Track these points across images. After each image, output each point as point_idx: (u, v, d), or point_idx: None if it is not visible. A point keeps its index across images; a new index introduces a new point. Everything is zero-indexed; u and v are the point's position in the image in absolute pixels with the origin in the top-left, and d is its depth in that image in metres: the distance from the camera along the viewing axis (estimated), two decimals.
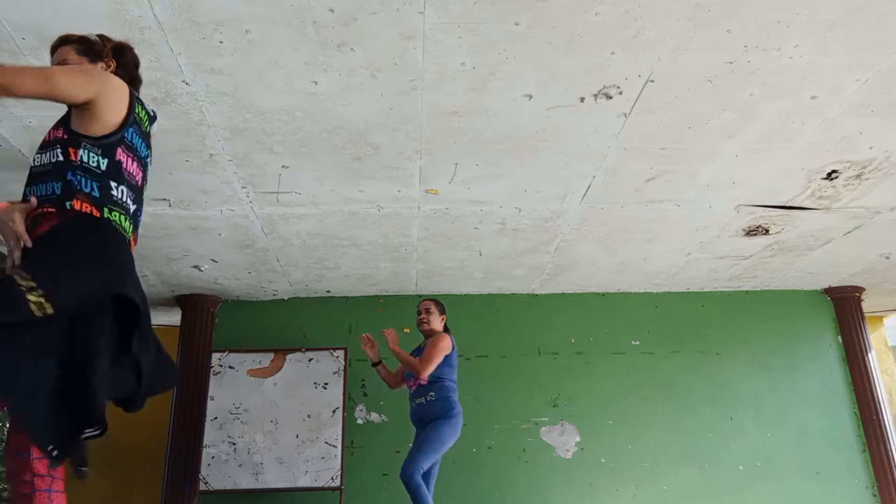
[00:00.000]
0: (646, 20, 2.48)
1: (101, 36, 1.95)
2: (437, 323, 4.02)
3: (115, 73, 1.89)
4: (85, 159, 1.70)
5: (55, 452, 1.48)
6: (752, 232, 4.50)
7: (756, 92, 2.94)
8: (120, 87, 1.80)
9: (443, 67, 2.71)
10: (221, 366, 5.16)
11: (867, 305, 6.05)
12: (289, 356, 5.23)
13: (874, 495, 5.28)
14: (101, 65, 1.89)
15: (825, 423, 5.47)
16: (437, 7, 2.37)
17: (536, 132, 3.22)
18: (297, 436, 4.99)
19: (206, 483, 4.84)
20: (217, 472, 4.88)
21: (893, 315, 6.94)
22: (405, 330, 5.31)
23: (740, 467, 5.32)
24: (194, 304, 5.40)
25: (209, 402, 5.05)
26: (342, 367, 5.19)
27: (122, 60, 1.93)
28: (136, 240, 1.83)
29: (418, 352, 4.02)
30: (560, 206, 4.02)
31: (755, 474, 5.31)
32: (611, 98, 2.95)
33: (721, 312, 5.77)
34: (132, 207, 1.80)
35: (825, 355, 5.70)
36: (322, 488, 4.86)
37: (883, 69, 2.80)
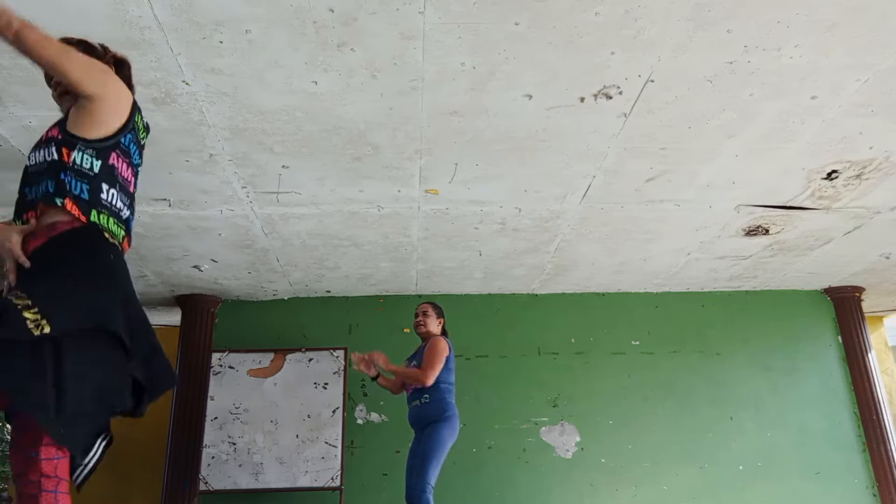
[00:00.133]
0: (646, 20, 2.48)
1: (101, 45, 1.95)
2: (433, 326, 4.01)
3: None
4: (78, 161, 1.69)
5: (64, 437, 1.50)
6: (752, 232, 4.50)
7: (756, 92, 2.94)
8: (126, 95, 1.81)
9: (443, 67, 2.71)
10: (221, 366, 5.16)
11: (867, 305, 6.05)
12: (289, 356, 5.23)
13: (874, 495, 5.29)
14: None
15: (825, 423, 5.47)
16: (437, 7, 2.37)
17: (536, 132, 3.22)
18: (297, 436, 4.99)
19: (206, 483, 4.84)
20: (217, 472, 4.88)
21: (893, 315, 6.94)
22: (405, 330, 5.32)
23: (740, 467, 5.33)
24: (194, 304, 5.40)
25: (209, 402, 5.05)
26: (342, 367, 5.19)
27: (121, 73, 1.92)
28: (128, 243, 1.82)
29: (416, 355, 4.01)
30: (560, 206, 4.02)
31: (755, 474, 5.31)
32: (611, 98, 2.95)
33: (721, 312, 5.77)
34: (125, 212, 1.79)
35: (825, 355, 5.70)
36: (322, 488, 4.86)
37: (883, 69, 2.80)
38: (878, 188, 3.88)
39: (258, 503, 4.98)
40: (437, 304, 4.15)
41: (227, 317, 5.54)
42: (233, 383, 5.12)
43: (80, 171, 1.69)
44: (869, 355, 5.61)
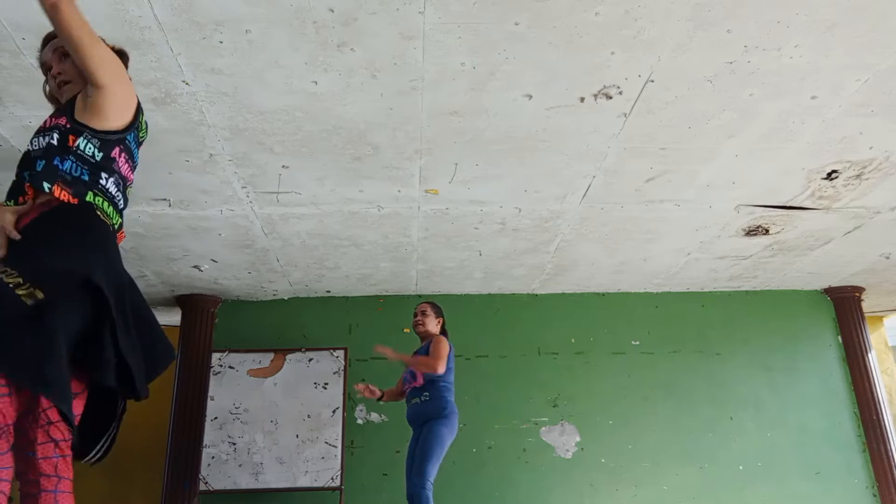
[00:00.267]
0: (646, 20, 2.48)
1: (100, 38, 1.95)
2: (432, 325, 4.01)
3: None
4: (82, 147, 1.70)
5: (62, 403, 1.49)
6: (752, 232, 4.50)
7: (756, 92, 2.94)
8: (133, 94, 1.82)
9: (443, 67, 2.71)
10: (221, 366, 5.16)
11: (867, 305, 6.05)
12: (289, 356, 5.23)
13: (874, 495, 5.29)
14: None
15: (825, 423, 5.47)
16: (437, 7, 2.37)
17: (536, 132, 3.22)
18: (297, 436, 4.99)
19: (206, 483, 4.84)
20: (217, 472, 4.88)
21: (893, 315, 6.94)
22: (405, 330, 5.32)
23: (740, 467, 5.32)
24: (194, 304, 5.40)
25: (209, 402, 5.05)
26: (342, 367, 5.19)
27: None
28: (122, 235, 1.82)
29: (417, 354, 4.01)
30: (560, 206, 4.02)
31: (755, 474, 5.31)
32: (611, 98, 2.95)
33: (721, 312, 5.77)
34: (121, 202, 1.80)
35: (825, 355, 5.70)
36: (322, 488, 4.86)
37: (883, 69, 2.80)
38: (878, 188, 3.88)
39: (258, 503, 4.98)
40: (435, 303, 4.15)
41: (227, 317, 5.54)
42: (233, 383, 5.12)
43: (83, 156, 1.70)
44: (869, 355, 5.61)
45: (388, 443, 5.15)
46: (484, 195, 3.85)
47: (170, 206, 3.84)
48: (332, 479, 4.87)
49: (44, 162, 1.68)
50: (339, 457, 4.92)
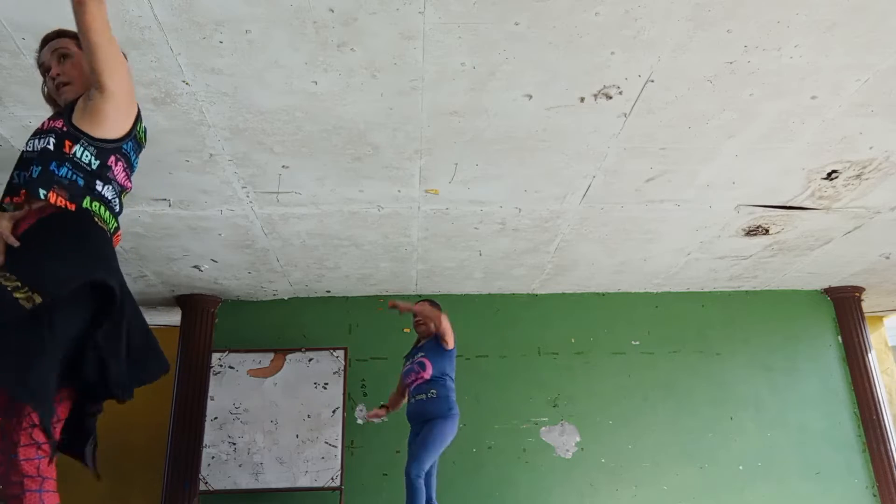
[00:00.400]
0: (646, 20, 2.48)
1: None
2: (432, 325, 4.01)
3: None
4: (78, 154, 1.69)
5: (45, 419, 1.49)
6: (752, 232, 4.50)
7: (756, 92, 2.94)
8: (134, 103, 1.81)
9: (443, 67, 2.71)
10: (221, 366, 5.16)
11: (867, 305, 6.05)
12: (289, 356, 5.23)
13: (874, 495, 5.29)
14: None
15: (825, 423, 5.47)
16: (437, 7, 2.37)
17: (536, 132, 3.22)
18: (297, 436, 4.99)
19: (206, 483, 4.84)
20: (217, 472, 4.88)
21: (893, 315, 6.94)
22: (405, 330, 5.32)
23: (740, 467, 5.32)
24: (194, 304, 5.40)
25: (209, 402, 5.05)
26: (342, 367, 5.19)
27: None
28: (118, 237, 1.82)
29: (416, 352, 4.00)
30: (560, 206, 4.02)
31: (755, 474, 5.31)
32: (611, 98, 2.95)
33: (721, 312, 5.77)
34: (117, 207, 1.79)
35: (825, 355, 5.70)
36: (322, 488, 4.86)
37: (883, 69, 2.80)
38: (878, 188, 3.88)
39: (258, 503, 4.98)
40: (434, 301, 4.13)
41: (227, 317, 5.54)
42: (233, 383, 5.12)
43: (79, 164, 1.69)
44: (869, 355, 5.61)
45: (388, 443, 5.15)
46: (484, 195, 3.85)
47: (170, 206, 3.84)
48: (332, 479, 4.87)
49: (40, 168, 1.66)
50: (339, 457, 4.92)
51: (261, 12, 2.37)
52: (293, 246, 4.49)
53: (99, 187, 1.72)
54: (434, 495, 3.75)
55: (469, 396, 5.26)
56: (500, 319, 5.64)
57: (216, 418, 5.01)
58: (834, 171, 3.69)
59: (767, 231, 4.49)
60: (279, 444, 4.96)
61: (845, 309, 5.75)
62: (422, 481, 3.54)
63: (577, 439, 5.35)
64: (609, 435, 5.37)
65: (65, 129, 1.71)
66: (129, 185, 1.86)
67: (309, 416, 5.04)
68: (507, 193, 3.84)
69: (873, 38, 2.61)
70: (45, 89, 1.92)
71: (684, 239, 4.60)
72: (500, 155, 3.41)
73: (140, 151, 1.91)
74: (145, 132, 1.94)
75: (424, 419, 3.76)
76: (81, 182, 1.69)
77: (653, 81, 2.84)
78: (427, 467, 3.61)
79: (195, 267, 4.81)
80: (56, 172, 1.66)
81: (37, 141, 1.72)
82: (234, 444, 4.96)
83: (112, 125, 1.74)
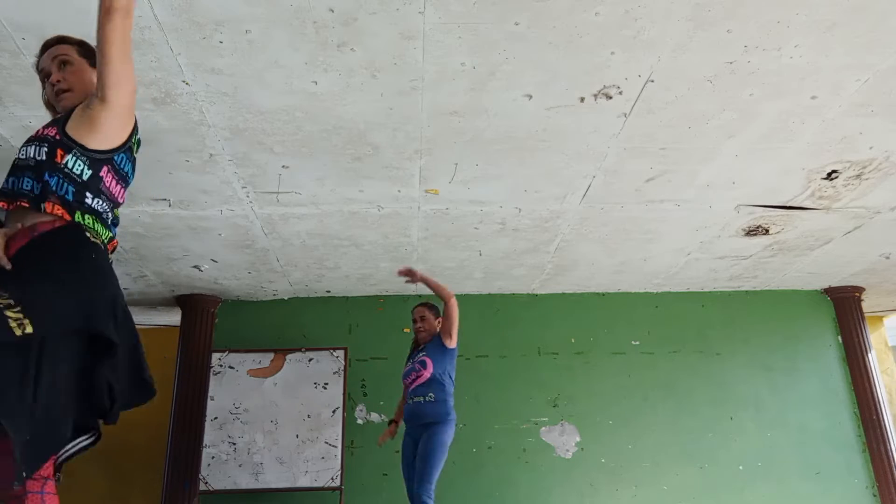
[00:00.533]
0: (646, 20, 2.48)
1: None
2: (433, 327, 3.98)
3: None
4: (70, 165, 1.67)
5: (25, 474, 1.46)
6: (752, 232, 4.50)
7: (756, 92, 2.94)
8: (132, 117, 1.80)
9: (443, 67, 2.71)
10: (221, 366, 5.16)
11: (867, 305, 6.05)
12: (289, 356, 5.23)
13: (874, 495, 5.29)
14: None
15: (825, 423, 5.47)
16: (437, 7, 2.37)
17: (536, 132, 3.22)
18: (297, 436, 4.99)
19: (206, 483, 4.84)
20: (217, 472, 4.88)
21: (893, 315, 6.94)
22: (405, 330, 5.32)
23: (740, 467, 5.33)
24: (194, 304, 5.40)
25: (209, 402, 5.05)
26: (342, 367, 5.19)
27: None
28: (114, 244, 1.80)
29: (412, 355, 3.98)
30: (560, 206, 4.02)
31: (755, 474, 5.31)
32: (611, 98, 2.95)
33: (721, 312, 5.77)
34: (108, 217, 1.78)
35: (825, 355, 5.70)
36: (322, 488, 4.86)
37: (883, 69, 2.80)
38: (878, 188, 3.88)
39: (258, 503, 4.98)
40: (431, 303, 4.12)
41: (227, 317, 5.54)
42: (233, 383, 5.12)
43: (70, 174, 1.67)
44: (869, 355, 5.61)
45: (388, 443, 5.13)
46: (484, 195, 3.85)
47: (170, 206, 3.84)
48: (332, 479, 4.87)
49: (39, 184, 1.65)
50: (339, 457, 4.92)
51: (261, 12, 2.37)
52: (293, 246, 4.49)
53: (89, 199, 1.70)
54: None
55: (469, 396, 5.27)
56: (500, 319, 5.64)
57: (216, 418, 5.01)
58: (834, 171, 3.69)
59: (767, 231, 4.49)
60: (279, 444, 4.96)
61: (845, 309, 5.75)
62: (433, 500, 3.51)
63: (577, 439, 5.35)
64: (609, 435, 5.37)
65: (57, 137, 1.70)
66: (121, 199, 1.83)
67: (309, 416, 5.04)
68: (507, 193, 3.84)
69: (873, 38, 2.61)
70: (45, 95, 1.91)
71: (684, 239, 4.60)
72: (500, 155, 3.41)
73: (134, 162, 1.89)
74: (139, 143, 1.92)
75: (421, 422, 3.74)
76: (70, 196, 1.67)
77: (653, 81, 2.84)
78: (435, 484, 3.56)
79: (195, 267, 4.81)
80: (52, 184, 1.65)
81: (30, 148, 1.71)
82: (234, 444, 4.96)
83: (106, 136, 1.72)
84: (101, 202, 1.74)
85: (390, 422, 4.12)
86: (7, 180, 1.70)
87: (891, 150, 3.47)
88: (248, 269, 4.89)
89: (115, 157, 1.77)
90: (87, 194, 1.71)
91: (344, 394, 5.11)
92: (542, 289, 5.62)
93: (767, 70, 2.78)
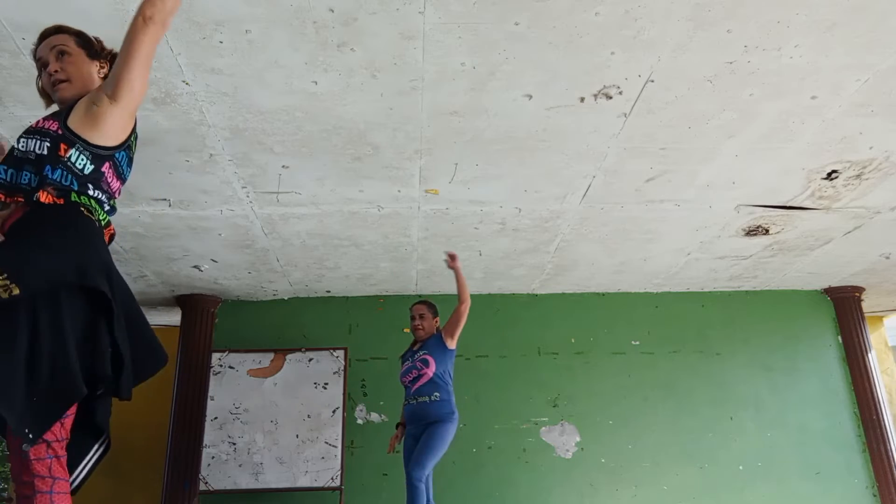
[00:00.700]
0: (646, 20, 2.48)
1: (97, 39, 1.94)
2: (432, 326, 3.99)
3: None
4: (73, 159, 1.69)
5: (31, 435, 1.46)
6: (752, 232, 4.50)
7: (756, 92, 2.94)
8: (134, 120, 1.81)
9: (443, 67, 2.71)
10: (221, 366, 5.16)
11: (867, 305, 6.05)
12: (289, 356, 5.23)
13: (874, 495, 5.29)
14: (96, 64, 1.88)
15: (825, 423, 5.47)
16: (437, 7, 2.37)
17: (536, 132, 3.22)
18: (297, 436, 4.99)
19: (206, 483, 4.84)
20: (217, 472, 4.88)
21: (893, 315, 6.94)
22: (405, 330, 5.31)
23: (740, 467, 5.33)
24: (194, 304, 5.40)
25: (209, 402, 5.05)
26: (342, 367, 5.19)
27: None
28: (110, 232, 1.81)
29: (410, 354, 3.98)
30: (560, 206, 4.02)
31: (755, 474, 5.31)
32: (611, 98, 2.95)
33: (721, 312, 5.77)
34: (106, 206, 1.79)
35: (825, 355, 5.70)
36: (322, 488, 4.86)
37: (883, 69, 2.80)
38: (878, 188, 3.88)
39: (258, 503, 4.98)
40: (430, 302, 4.11)
41: (227, 317, 5.54)
42: (233, 383, 5.12)
43: (72, 168, 1.69)
44: (869, 355, 5.61)
45: (388, 443, 5.14)
46: (484, 195, 3.85)
47: (170, 206, 3.84)
48: (332, 479, 4.87)
49: (37, 177, 1.66)
50: (339, 457, 4.92)
51: (261, 12, 2.37)
52: (293, 246, 4.49)
53: (90, 190, 1.72)
54: (432, 496, 3.74)
55: (469, 396, 5.27)
56: (500, 319, 5.64)
57: (216, 418, 5.01)
58: (834, 171, 3.69)
59: (767, 231, 4.49)
60: (279, 444, 4.96)
61: (845, 309, 5.76)
62: (423, 484, 3.54)
63: (577, 439, 5.35)
64: (609, 435, 5.37)
65: (60, 132, 1.70)
66: (118, 194, 1.85)
67: (309, 416, 5.04)
68: (507, 193, 3.84)
69: (873, 38, 2.61)
70: (40, 83, 1.91)
71: (684, 239, 4.60)
72: (500, 155, 3.41)
73: (131, 160, 1.89)
74: (136, 139, 1.93)
75: (426, 422, 3.74)
76: (76, 186, 1.69)
77: (653, 81, 2.84)
78: (429, 471, 3.61)
79: (195, 267, 4.81)
80: (49, 176, 1.66)
81: (29, 140, 1.71)
82: (234, 444, 4.96)
83: (111, 134, 1.74)
84: (100, 194, 1.76)
85: (397, 425, 4.11)
86: (6, 171, 1.70)
87: (891, 150, 3.47)
88: (248, 269, 4.89)
89: (117, 155, 1.78)
90: (89, 186, 1.72)
91: (344, 394, 5.11)
92: (542, 289, 5.62)
93: (767, 70, 2.78)
